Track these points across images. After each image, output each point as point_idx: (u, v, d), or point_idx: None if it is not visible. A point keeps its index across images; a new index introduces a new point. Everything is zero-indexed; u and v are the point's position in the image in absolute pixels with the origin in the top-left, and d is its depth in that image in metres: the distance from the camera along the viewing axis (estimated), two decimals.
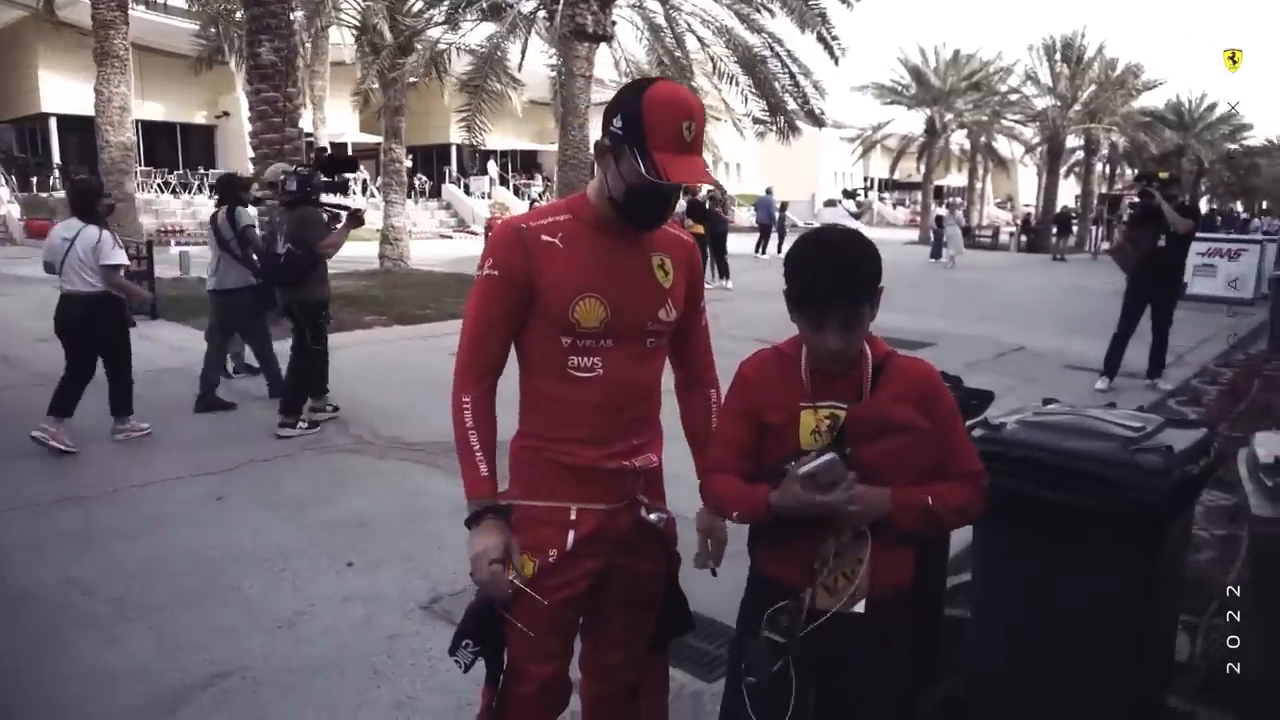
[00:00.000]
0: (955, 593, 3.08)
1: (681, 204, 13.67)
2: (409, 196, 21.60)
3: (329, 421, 6.03)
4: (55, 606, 3.37)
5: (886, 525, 1.58)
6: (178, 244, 20.13)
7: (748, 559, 1.80)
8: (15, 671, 2.92)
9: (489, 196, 31.22)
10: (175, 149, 30.78)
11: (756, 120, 17.41)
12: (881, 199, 54.42)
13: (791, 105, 16.42)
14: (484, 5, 15.35)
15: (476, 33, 16.77)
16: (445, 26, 16.54)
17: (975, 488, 1.66)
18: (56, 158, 27.38)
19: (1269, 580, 2.07)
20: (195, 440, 5.63)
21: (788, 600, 1.62)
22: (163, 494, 4.66)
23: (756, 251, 22.42)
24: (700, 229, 13.92)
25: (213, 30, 22.82)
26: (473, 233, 28.52)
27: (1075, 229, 31.27)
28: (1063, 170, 36.11)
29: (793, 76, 16.09)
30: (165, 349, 8.39)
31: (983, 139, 38.31)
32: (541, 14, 14.98)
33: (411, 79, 17.68)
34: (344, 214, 6.22)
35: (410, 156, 21.76)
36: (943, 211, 27.04)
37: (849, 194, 50.83)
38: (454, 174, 34.55)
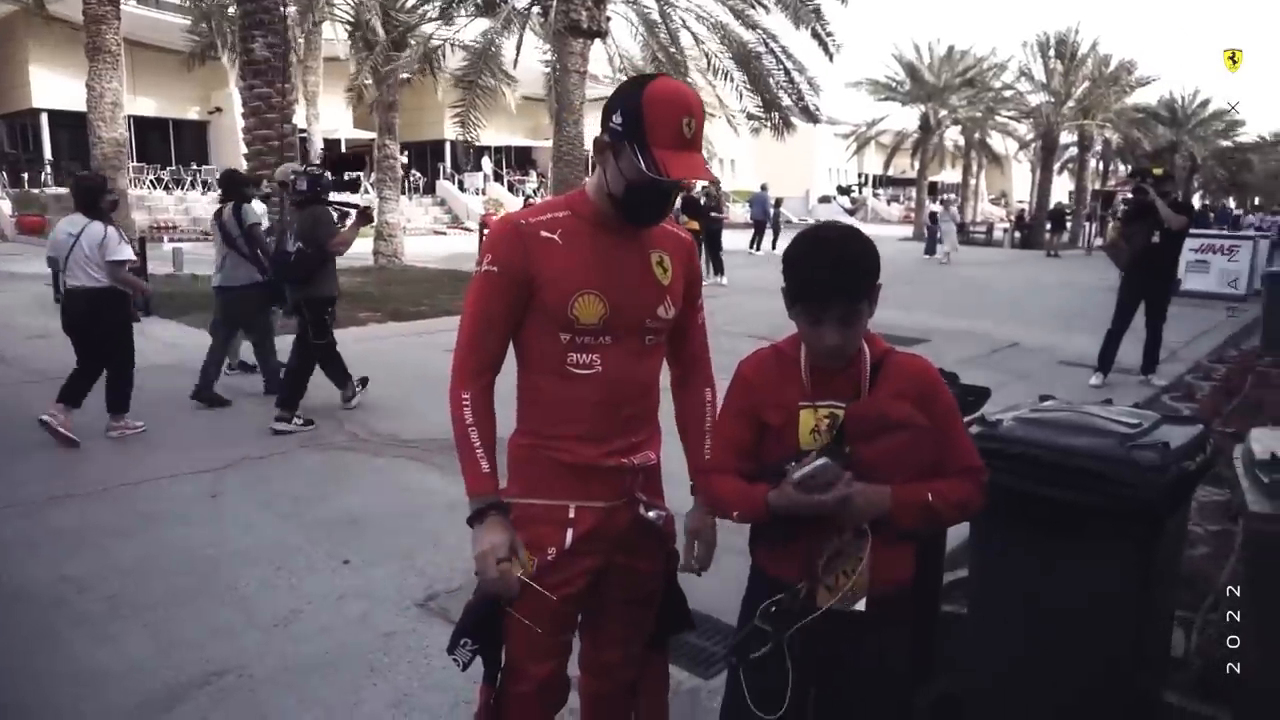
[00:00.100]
0: (952, 589, 3.09)
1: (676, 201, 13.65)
2: (403, 193, 21.53)
3: (356, 403, 6.32)
4: (49, 605, 3.35)
5: (887, 522, 1.58)
6: (171, 240, 20.11)
7: (749, 557, 1.80)
8: (9, 670, 2.91)
9: (483, 193, 31.15)
10: (168, 145, 30.72)
11: (751, 116, 17.38)
12: (876, 195, 54.49)
13: (786, 101, 16.40)
14: (478, 0, 15.30)
15: (470, 28, 16.70)
16: (439, 22, 16.48)
17: (975, 483, 1.67)
18: (48, 153, 27.27)
19: (1265, 576, 2.08)
20: (190, 437, 5.61)
21: (783, 594, 1.62)
22: (157, 491, 4.64)
23: (751, 248, 22.46)
24: (695, 225, 13.93)
25: (205, 25, 22.74)
26: (467, 229, 28.49)
27: (1069, 225, 31.32)
28: (1056, 166, 36.14)
29: (787, 73, 16.06)
30: (158, 346, 8.35)
31: (977, 135, 38.40)
32: (536, 10, 14.94)
33: (405, 75, 17.59)
34: (353, 211, 6.27)
35: (404, 153, 21.72)
36: (937, 208, 27.01)
37: (843, 190, 50.86)
38: (448, 170, 34.53)
